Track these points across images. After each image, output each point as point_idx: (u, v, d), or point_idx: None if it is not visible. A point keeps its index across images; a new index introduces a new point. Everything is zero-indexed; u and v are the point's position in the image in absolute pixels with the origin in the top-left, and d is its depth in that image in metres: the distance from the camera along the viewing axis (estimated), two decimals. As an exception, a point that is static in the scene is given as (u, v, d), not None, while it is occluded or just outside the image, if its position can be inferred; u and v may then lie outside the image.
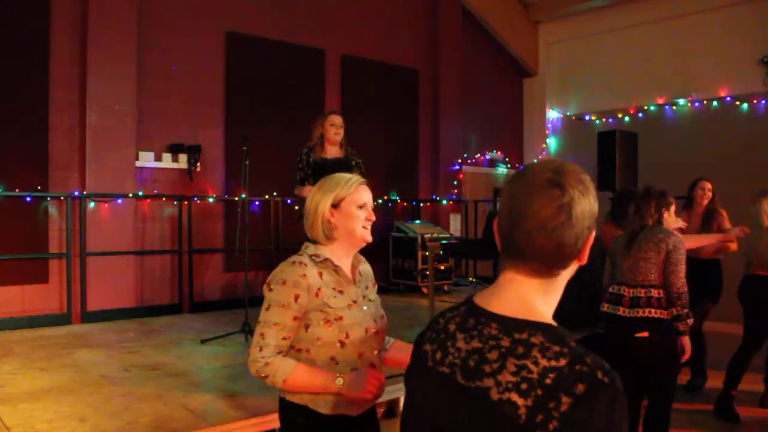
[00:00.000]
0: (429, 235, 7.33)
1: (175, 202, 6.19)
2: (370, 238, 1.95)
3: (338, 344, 1.83)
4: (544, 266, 1.02)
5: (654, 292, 3.14)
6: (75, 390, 3.51)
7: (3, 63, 5.30)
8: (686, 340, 3.12)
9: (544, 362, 0.92)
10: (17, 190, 5.33)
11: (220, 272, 6.49)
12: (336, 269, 1.88)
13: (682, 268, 3.13)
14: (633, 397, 3.26)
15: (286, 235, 6.75)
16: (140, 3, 5.95)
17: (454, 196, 8.60)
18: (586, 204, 1.00)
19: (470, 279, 8.32)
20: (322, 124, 4.86)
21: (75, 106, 5.66)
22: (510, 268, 1.05)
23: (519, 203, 1.01)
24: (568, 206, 0.98)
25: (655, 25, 8.15)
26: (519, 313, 1.00)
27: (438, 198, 8.44)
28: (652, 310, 3.11)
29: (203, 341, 4.73)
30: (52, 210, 5.56)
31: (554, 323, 1.00)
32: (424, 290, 7.12)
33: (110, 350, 4.53)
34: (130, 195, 5.85)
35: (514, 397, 0.91)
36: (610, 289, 3.34)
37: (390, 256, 7.69)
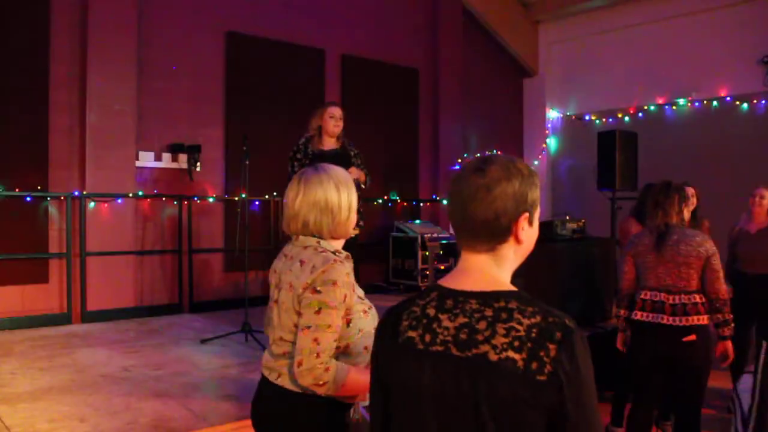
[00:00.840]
0: (429, 235, 7.33)
1: (175, 202, 6.19)
2: (355, 231, 2.01)
3: (373, 332, 1.86)
4: (479, 241, 1.19)
5: (697, 298, 3.04)
6: (75, 390, 3.51)
7: (3, 63, 5.30)
8: (729, 345, 3.10)
9: (526, 321, 1.10)
10: (17, 190, 5.33)
11: (220, 272, 6.49)
12: (351, 263, 1.91)
13: (722, 273, 3.07)
14: (652, 405, 3.27)
15: (286, 235, 6.73)
16: (140, 3, 5.95)
17: (454, 196, 8.59)
18: (507, 186, 1.16)
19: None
20: (321, 116, 4.72)
21: (75, 106, 5.66)
22: (463, 251, 1.23)
23: (453, 192, 1.22)
24: (485, 186, 1.16)
25: (655, 25, 8.15)
26: (488, 286, 1.17)
27: (438, 198, 8.44)
28: (700, 317, 3.03)
29: (203, 341, 4.73)
30: (52, 210, 5.56)
31: (517, 288, 1.18)
32: (424, 290, 7.12)
33: (110, 350, 4.53)
34: (130, 195, 5.85)
35: (511, 354, 1.08)
36: (642, 295, 3.15)
37: (390, 256, 7.69)
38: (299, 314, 1.79)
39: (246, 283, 5.02)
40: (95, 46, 5.65)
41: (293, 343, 1.82)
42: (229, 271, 6.49)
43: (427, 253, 7.24)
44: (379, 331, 1.29)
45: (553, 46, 9.44)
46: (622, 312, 3.31)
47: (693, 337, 3.01)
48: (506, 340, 1.09)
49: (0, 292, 5.23)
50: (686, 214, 3.21)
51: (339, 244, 1.93)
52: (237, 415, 3.12)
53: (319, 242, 1.88)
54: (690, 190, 4.24)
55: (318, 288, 1.77)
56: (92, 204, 5.68)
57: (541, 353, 1.07)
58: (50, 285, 5.51)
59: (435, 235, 7.40)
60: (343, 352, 1.83)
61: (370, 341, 1.83)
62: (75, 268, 5.57)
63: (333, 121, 4.72)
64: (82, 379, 3.73)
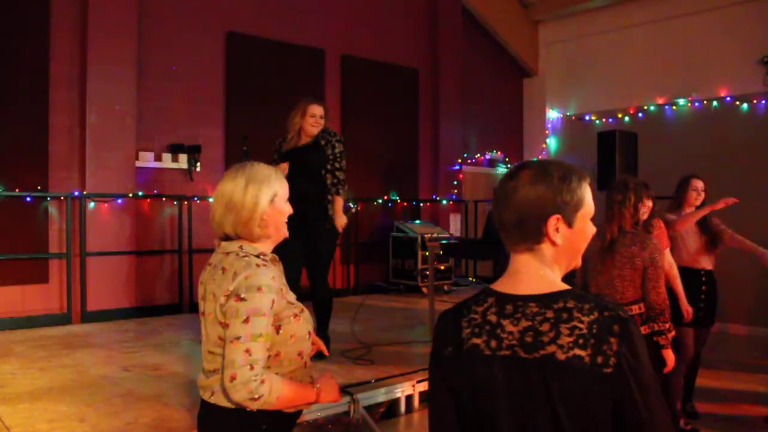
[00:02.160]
0: (429, 235, 7.33)
1: (175, 202, 6.19)
2: (287, 233, 1.89)
3: (307, 336, 1.81)
4: (514, 240, 1.25)
5: (635, 309, 2.97)
6: (75, 390, 3.51)
7: (3, 63, 5.30)
8: (669, 353, 2.99)
9: (585, 318, 1.16)
10: (17, 190, 5.33)
11: (220, 272, 6.48)
12: (276, 263, 1.83)
13: (662, 282, 2.96)
14: None
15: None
16: (140, 3, 5.95)
17: (454, 196, 8.60)
18: (532, 190, 1.22)
19: (470, 279, 8.33)
20: (303, 115, 4.33)
21: (75, 106, 5.66)
22: (510, 250, 1.28)
23: (496, 192, 1.30)
24: (511, 190, 1.24)
25: (655, 25, 8.15)
26: (543, 287, 1.22)
27: (438, 198, 8.44)
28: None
29: (203, 341, 4.73)
30: (52, 210, 5.56)
31: (569, 287, 1.23)
32: (424, 290, 7.12)
33: (110, 350, 4.53)
34: (130, 195, 5.85)
35: (578, 351, 1.14)
36: None
37: (390, 256, 7.69)
38: (225, 325, 1.68)
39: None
40: (95, 46, 5.64)
41: (223, 356, 1.70)
42: (229, 271, 6.47)
43: (427, 253, 7.23)
44: (441, 337, 1.32)
45: (553, 46, 9.44)
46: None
47: None
48: (571, 339, 1.15)
49: (0, 292, 5.23)
50: (643, 215, 3.07)
51: (265, 246, 1.83)
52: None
53: (241, 246, 1.79)
54: (700, 184, 4.13)
55: (243, 295, 1.66)
56: (92, 204, 5.68)
57: (605, 347, 1.13)
58: (50, 285, 5.51)
59: (435, 235, 7.40)
60: (275, 362, 1.74)
61: (303, 346, 1.80)
62: (75, 268, 5.57)
63: (312, 120, 4.33)
64: (82, 379, 3.73)
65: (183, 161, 6.23)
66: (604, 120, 8.85)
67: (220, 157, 6.53)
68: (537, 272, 1.25)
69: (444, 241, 6.58)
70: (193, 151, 6.21)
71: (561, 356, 1.15)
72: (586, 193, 1.29)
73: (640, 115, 8.37)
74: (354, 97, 7.58)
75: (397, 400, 3.71)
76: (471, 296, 1.32)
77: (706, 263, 4.09)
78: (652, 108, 8.25)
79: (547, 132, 9.51)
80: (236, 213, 1.80)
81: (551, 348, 1.16)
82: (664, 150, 7.67)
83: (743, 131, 7.37)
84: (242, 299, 1.67)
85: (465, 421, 1.27)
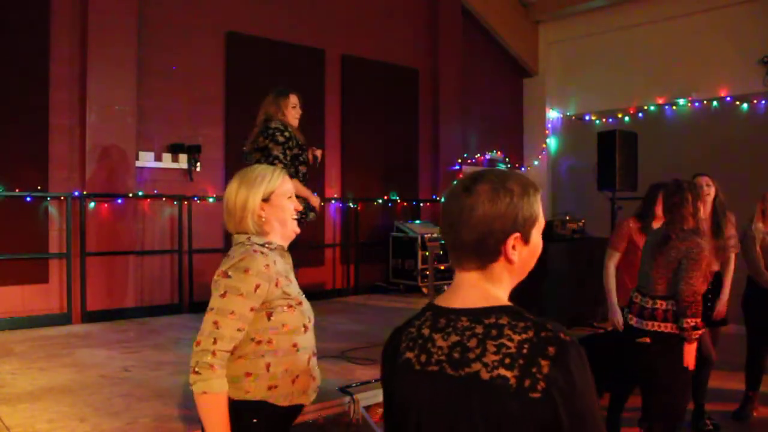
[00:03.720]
0: (429, 235, 7.33)
1: (175, 202, 6.19)
2: (298, 229, 1.95)
3: (302, 329, 1.83)
4: (465, 259, 1.18)
5: (663, 304, 3.01)
6: (75, 390, 3.50)
7: (3, 63, 5.30)
8: (691, 349, 3.00)
9: (516, 337, 1.08)
10: (17, 190, 5.33)
11: (220, 272, 6.48)
12: (283, 255, 1.88)
13: (696, 276, 2.96)
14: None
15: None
16: (140, 3, 5.95)
17: (454, 196, 8.59)
18: (493, 208, 1.13)
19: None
20: (284, 105, 4.19)
21: (75, 107, 5.66)
22: (456, 269, 1.22)
23: (444, 207, 1.22)
24: (469, 208, 1.14)
25: (655, 25, 8.15)
26: (479, 302, 1.15)
27: (438, 198, 8.43)
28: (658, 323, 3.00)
29: (203, 341, 4.72)
30: (52, 210, 5.56)
31: (511, 304, 1.16)
32: (424, 290, 7.12)
33: (110, 350, 4.53)
34: (130, 195, 5.84)
35: (503, 371, 1.06)
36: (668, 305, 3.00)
37: (390, 256, 7.69)
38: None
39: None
40: (95, 46, 5.64)
41: None
42: (229, 271, 6.47)
43: (427, 253, 7.23)
44: (384, 351, 1.31)
45: (553, 46, 9.44)
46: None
47: (648, 339, 2.99)
48: (497, 358, 1.07)
49: (0, 292, 5.23)
50: (703, 212, 3.11)
51: (274, 238, 1.89)
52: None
53: (249, 237, 1.87)
54: (707, 180, 4.03)
55: (229, 273, 1.75)
56: (92, 204, 5.68)
57: (534, 370, 1.04)
58: (50, 285, 5.51)
59: (435, 235, 7.40)
60: (268, 349, 1.77)
61: (298, 338, 1.82)
62: (75, 268, 5.57)
63: (295, 112, 4.24)
64: (82, 379, 3.72)
65: (183, 161, 6.23)
66: (604, 120, 8.85)
67: (220, 157, 6.53)
68: (478, 286, 1.18)
69: (444, 241, 6.59)
70: (193, 151, 6.21)
71: (485, 375, 1.07)
72: (540, 207, 1.21)
73: (640, 115, 8.37)
74: (354, 97, 7.58)
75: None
76: (420, 310, 1.28)
77: (716, 265, 4.08)
78: (652, 108, 8.25)
79: (547, 132, 9.51)
80: (231, 214, 1.88)
81: (476, 366, 1.08)
82: (664, 150, 7.67)
83: (743, 131, 7.37)
84: (228, 276, 1.75)
85: None
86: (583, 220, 6.02)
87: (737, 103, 7.52)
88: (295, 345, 1.81)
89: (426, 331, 1.19)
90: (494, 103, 9.38)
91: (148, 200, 6.05)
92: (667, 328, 2.99)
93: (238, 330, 1.72)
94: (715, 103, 7.67)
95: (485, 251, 1.16)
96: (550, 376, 1.04)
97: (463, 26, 8.76)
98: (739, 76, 7.42)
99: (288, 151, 4.13)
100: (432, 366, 1.14)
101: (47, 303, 5.47)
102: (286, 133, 4.15)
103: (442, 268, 7.40)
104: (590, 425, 1.06)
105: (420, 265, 7.29)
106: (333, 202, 7.36)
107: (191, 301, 6.18)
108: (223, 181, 6.53)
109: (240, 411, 1.75)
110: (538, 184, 1.25)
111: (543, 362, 1.04)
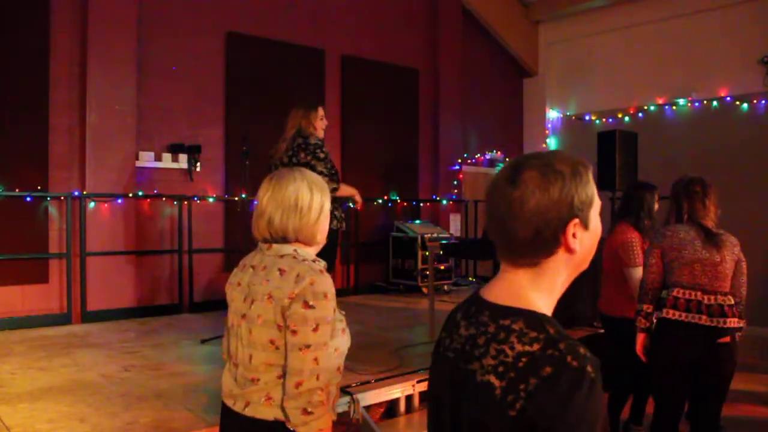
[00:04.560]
0: (429, 235, 7.33)
1: (175, 202, 6.19)
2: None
3: (346, 352, 1.78)
4: (517, 257, 1.07)
5: (732, 300, 2.94)
6: (75, 390, 3.51)
7: (3, 63, 5.30)
8: None
9: (519, 347, 0.99)
10: (17, 190, 5.33)
11: (220, 272, 6.48)
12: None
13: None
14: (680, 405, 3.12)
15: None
16: (140, 3, 5.95)
17: (454, 196, 8.60)
18: (545, 196, 1.02)
19: (470, 279, 8.32)
20: (315, 117, 4.25)
21: (75, 106, 5.66)
22: (502, 261, 1.12)
23: (488, 202, 1.11)
24: (519, 201, 1.03)
25: (655, 25, 8.15)
26: (509, 300, 1.06)
27: (438, 198, 8.44)
28: (734, 320, 2.92)
29: (203, 341, 4.73)
30: (52, 210, 5.56)
31: (539, 310, 1.05)
32: (424, 290, 7.12)
33: (110, 350, 4.53)
34: (130, 195, 5.84)
35: (492, 378, 0.99)
36: (675, 293, 2.92)
37: (390, 256, 7.69)
38: (290, 331, 1.63)
39: (246, 283, 5.00)
40: (95, 46, 5.64)
41: (268, 365, 1.65)
42: (229, 271, 6.38)
43: (427, 253, 7.23)
44: (441, 331, 1.26)
45: (553, 46, 9.44)
46: (647, 308, 3.01)
47: (728, 339, 2.89)
48: (492, 363, 1.01)
49: (0, 292, 5.23)
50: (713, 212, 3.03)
51: (313, 251, 1.80)
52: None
53: (296, 250, 1.74)
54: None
55: (310, 302, 1.62)
56: (92, 204, 5.68)
57: (521, 386, 0.96)
58: (50, 285, 5.51)
59: (435, 235, 7.40)
60: None
61: (341, 361, 1.75)
62: (75, 268, 5.57)
63: (323, 123, 4.28)
64: (82, 379, 3.73)
65: (183, 161, 6.23)
66: (604, 120, 8.86)
67: (220, 157, 6.53)
68: (517, 283, 1.08)
69: (444, 241, 6.58)
70: (193, 151, 6.21)
71: (478, 377, 1.02)
72: (594, 185, 1.10)
73: (640, 115, 8.37)
74: (354, 97, 7.58)
75: (397, 400, 3.71)
76: None
77: None
78: (652, 108, 8.26)
79: (547, 132, 9.51)
80: (302, 216, 1.75)
81: (475, 365, 1.03)
82: (664, 150, 7.67)
83: (743, 131, 7.37)
84: (310, 306, 1.62)
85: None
86: (583, 220, 6.02)
87: (737, 103, 7.52)
88: (339, 368, 1.76)
89: (459, 316, 1.16)
90: (494, 103, 9.38)
91: (148, 200, 6.05)
92: (737, 323, 2.93)
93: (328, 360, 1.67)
94: (715, 103, 7.68)
95: (543, 245, 1.05)
96: (534, 397, 0.94)
97: (463, 26, 8.76)
98: (739, 76, 7.42)
99: (328, 165, 4.17)
100: (450, 352, 1.13)
101: (47, 303, 5.47)
102: (325, 149, 4.23)
103: (442, 268, 7.41)
104: None
105: (420, 265, 7.29)
106: (333, 202, 7.35)
107: (191, 301, 6.18)
108: (223, 181, 6.53)
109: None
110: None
111: (532, 380, 0.95)
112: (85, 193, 5.61)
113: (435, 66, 8.47)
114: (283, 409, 1.64)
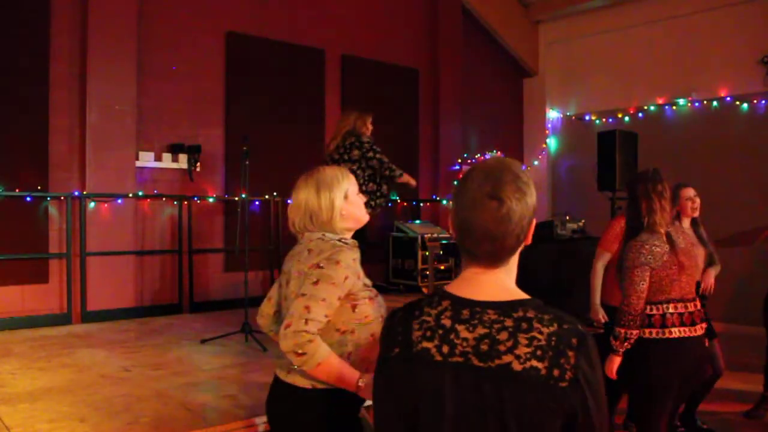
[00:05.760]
0: (429, 235, 7.33)
1: (175, 202, 6.19)
2: (368, 217, 2.10)
3: (380, 319, 1.92)
4: (497, 261, 1.21)
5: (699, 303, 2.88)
6: (75, 390, 3.51)
7: (3, 63, 5.30)
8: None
9: (545, 329, 1.13)
10: (17, 190, 5.33)
11: (220, 272, 6.49)
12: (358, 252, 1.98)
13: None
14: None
15: (286, 235, 6.75)
16: (140, 3, 5.95)
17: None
18: (523, 207, 1.17)
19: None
20: (368, 122, 4.99)
21: (75, 106, 5.66)
22: (471, 266, 1.23)
23: (465, 217, 1.19)
24: (507, 216, 1.16)
25: (655, 25, 8.15)
26: (504, 296, 1.19)
27: (438, 198, 8.44)
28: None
29: (203, 341, 4.73)
30: (52, 210, 5.56)
31: (529, 296, 1.20)
32: (424, 290, 7.12)
33: (110, 350, 4.53)
34: (130, 195, 5.85)
35: (535, 363, 1.11)
36: (672, 308, 2.76)
37: (390, 256, 7.69)
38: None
39: (246, 283, 5.01)
40: (95, 46, 5.64)
41: None
42: (229, 271, 6.49)
43: (427, 253, 7.23)
44: (388, 337, 1.25)
45: (553, 46, 9.44)
46: (635, 333, 2.75)
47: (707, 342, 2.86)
48: (529, 350, 1.12)
49: (0, 292, 5.23)
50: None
51: (346, 233, 2.01)
52: (237, 415, 3.12)
53: (324, 234, 1.95)
54: (689, 191, 3.85)
55: (321, 264, 1.82)
56: (92, 204, 5.68)
57: (562, 360, 1.11)
58: (50, 285, 5.51)
59: (435, 235, 7.40)
60: (351, 338, 1.87)
61: (375, 328, 1.90)
62: (75, 268, 5.57)
63: (371, 128, 5.01)
64: (82, 379, 3.73)
65: (183, 161, 6.23)
66: (604, 120, 8.85)
67: (220, 157, 6.53)
68: (497, 279, 1.22)
69: (444, 241, 6.59)
70: (193, 151, 6.21)
71: (517, 367, 1.11)
72: None
73: (640, 115, 8.37)
74: (354, 97, 7.57)
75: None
76: (422, 297, 1.27)
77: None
78: (652, 108, 8.25)
79: (547, 132, 9.51)
80: (314, 219, 1.96)
81: (507, 358, 1.12)
82: (664, 150, 7.66)
83: (743, 131, 7.37)
84: (320, 267, 1.83)
85: (417, 428, 1.19)
86: (583, 220, 6.03)
87: (737, 103, 7.52)
88: (372, 335, 1.88)
89: (447, 322, 1.18)
90: (494, 102, 9.37)
91: (148, 200, 6.05)
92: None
93: (326, 316, 1.80)
94: (715, 103, 7.67)
95: (518, 246, 1.21)
96: (577, 366, 1.11)
97: (463, 26, 8.76)
98: (739, 76, 7.41)
99: (385, 158, 4.99)
100: (456, 357, 1.15)
101: (47, 303, 5.47)
102: (376, 146, 4.99)
103: (442, 268, 7.41)
104: (603, 411, 1.14)
105: (420, 265, 7.29)
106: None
107: (191, 301, 6.18)
108: (223, 181, 6.54)
109: (319, 399, 1.84)
110: (538, 185, 1.27)
111: (570, 353, 1.11)
112: (85, 193, 5.61)
113: (435, 66, 8.47)
114: (284, 355, 1.81)
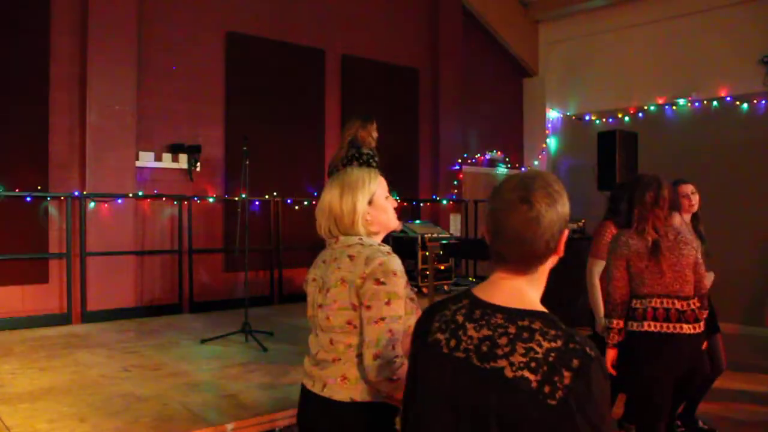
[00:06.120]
0: (429, 235, 7.32)
1: (175, 202, 6.19)
2: (400, 224, 2.01)
3: (413, 314, 1.88)
4: (525, 266, 1.24)
5: (698, 303, 2.90)
6: (75, 390, 3.51)
7: (3, 63, 5.30)
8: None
9: (545, 344, 1.13)
10: (17, 190, 5.33)
11: (220, 272, 6.49)
12: None
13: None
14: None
15: (286, 235, 6.75)
16: (140, 3, 5.95)
17: (454, 196, 8.60)
18: (553, 213, 1.20)
19: (470, 279, 8.32)
20: (368, 129, 4.86)
21: (75, 106, 5.66)
22: (498, 269, 1.27)
23: (498, 219, 1.23)
24: (536, 219, 1.19)
25: (655, 25, 8.15)
26: (516, 303, 1.21)
27: (438, 198, 8.44)
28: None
29: (203, 341, 4.73)
30: (52, 210, 5.56)
31: (546, 310, 1.21)
32: (424, 290, 7.12)
33: (110, 350, 4.53)
34: (130, 195, 5.85)
35: (527, 373, 1.11)
36: (653, 303, 2.80)
37: (390, 256, 7.67)
38: (364, 307, 1.75)
39: (246, 283, 5.02)
40: (95, 46, 5.65)
41: (347, 345, 1.78)
42: (229, 271, 6.49)
43: (427, 253, 7.23)
44: (417, 327, 1.36)
45: (553, 46, 9.44)
46: (618, 323, 2.86)
47: (706, 343, 2.88)
48: (524, 360, 1.13)
49: (0, 292, 5.23)
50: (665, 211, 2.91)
51: (378, 238, 1.94)
52: (237, 415, 3.12)
53: (361, 239, 1.88)
54: (687, 188, 3.86)
55: (381, 279, 1.75)
56: (92, 204, 5.68)
57: (555, 378, 1.10)
58: (50, 285, 5.51)
59: (435, 235, 7.40)
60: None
61: (410, 322, 1.84)
62: (75, 268, 5.57)
63: (376, 134, 4.86)
64: (82, 379, 3.73)
65: (183, 161, 6.23)
66: (604, 120, 8.85)
67: (220, 157, 6.53)
68: (518, 287, 1.24)
69: (444, 241, 6.59)
70: (193, 151, 6.21)
71: (509, 373, 1.13)
72: None
73: (640, 115, 8.37)
74: (354, 97, 7.58)
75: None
76: (456, 294, 1.33)
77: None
78: (652, 108, 8.25)
79: (547, 132, 9.51)
80: (338, 222, 1.88)
81: (502, 362, 1.14)
82: (664, 150, 7.66)
83: (743, 131, 7.37)
84: (381, 283, 1.75)
85: (413, 408, 1.30)
86: (583, 221, 6.02)
87: (737, 103, 7.52)
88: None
89: (460, 318, 1.24)
90: (494, 103, 9.37)
91: (148, 200, 6.05)
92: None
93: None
94: (715, 103, 7.67)
95: (547, 253, 1.23)
96: (571, 387, 1.09)
97: (463, 26, 8.76)
98: (739, 76, 7.41)
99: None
100: (459, 352, 1.20)
101: (47, 303, 5.47)
102: (377, 158, 4.81)
103: (442, 268, 7.40)
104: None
105: (420, 265, 7.29)
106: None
107: (191, 301, 6.18)
108: (223, 181, 6.54)
109: (361, 412, 1.78)
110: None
111: (566, 373, 1.10)
112: (85, 193, 5.62)
113: (435, 66, 8.47)
114: (372, 385, 1.74)
